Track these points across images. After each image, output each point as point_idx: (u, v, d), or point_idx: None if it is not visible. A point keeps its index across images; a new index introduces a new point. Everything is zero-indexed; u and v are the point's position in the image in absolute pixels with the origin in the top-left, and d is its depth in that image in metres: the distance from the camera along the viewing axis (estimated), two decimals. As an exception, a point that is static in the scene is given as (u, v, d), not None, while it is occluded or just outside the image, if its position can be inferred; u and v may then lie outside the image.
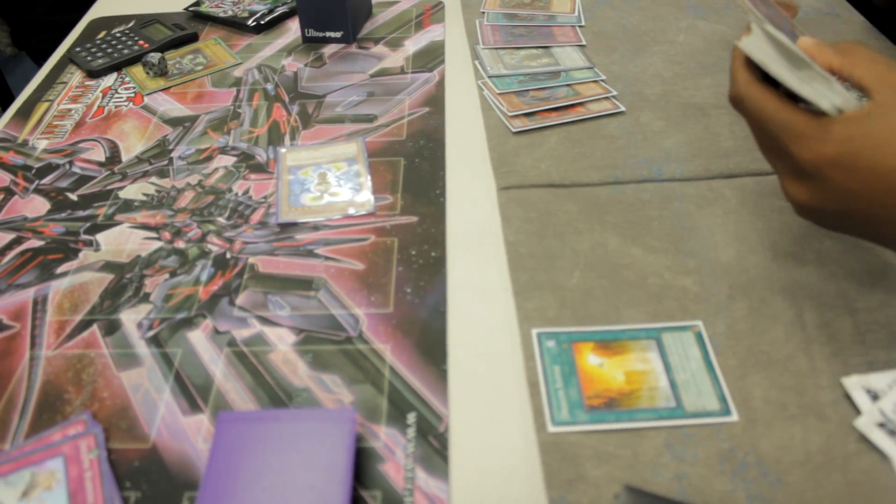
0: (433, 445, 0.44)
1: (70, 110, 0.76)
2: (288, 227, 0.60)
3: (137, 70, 0.82)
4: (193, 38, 0.87)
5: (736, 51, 0.45)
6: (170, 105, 0.76)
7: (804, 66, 0.41)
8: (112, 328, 0.52)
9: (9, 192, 0.66)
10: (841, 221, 0.42)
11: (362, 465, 0.43)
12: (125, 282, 0.56)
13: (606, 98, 0.70)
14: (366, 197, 0.62)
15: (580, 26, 0.83)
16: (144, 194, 0.64)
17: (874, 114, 0.39)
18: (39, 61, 1.73)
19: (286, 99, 0.75)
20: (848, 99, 0.40)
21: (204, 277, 0.56)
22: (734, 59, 0.45)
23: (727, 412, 0.44)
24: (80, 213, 0.63)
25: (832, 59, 0.41)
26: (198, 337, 0.51)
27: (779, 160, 0.43)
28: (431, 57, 0.81)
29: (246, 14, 0.90)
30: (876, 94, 0.39)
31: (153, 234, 0.60)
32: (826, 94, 0.40)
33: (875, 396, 0.43)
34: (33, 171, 0.68)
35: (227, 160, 0.67)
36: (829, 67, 0.41)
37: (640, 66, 0.75)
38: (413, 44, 0.84)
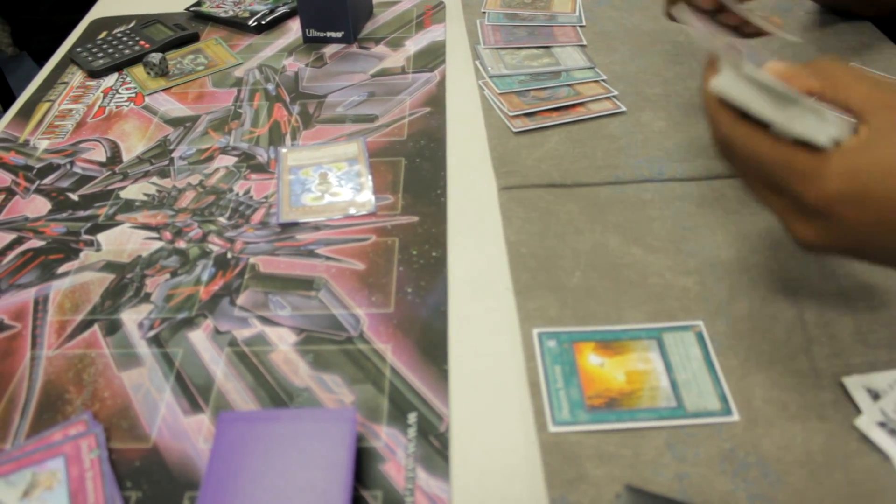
0: (434, 445, 0.44)
1: (71, 110, 0.76)
2: (289, 227, 0.60)
3: (138, 70, 0.82)
4: (194, 38, 0.87)
5: (707, 93, 0.41)
6: (171, 105, 0.76)
7: (789, 101, 0.37)
8: (113, 328, 0.52)
9: (10, 193, 0.66)
10: (855, 254, 0.39)
11: (363, 465, 0.43)
12: (126, 282, 0.56)
13: (607, 98, 0.70)
14: (367, 197, 0.62)
15: (581, 26, 0.83)
16: (145, 194, 0.64)
17: (874, 140, 0.36)
18: (40, 61, 1.73)
19: (287, 99, 0.75)
20: (842, 128, 0.37)
21: (205, 277, 0.56)
22: (708, 103, 0.41)
23: (728, 412, 0.44)
24: (81, 214, 0.63)
25: (810, 82, 0.38)
26: (199, 337, 0.51)
27: (778, 200, 0.40)
28: (432, 57, 0.81)
29: (247, 14, 0.90)
30: (870, 116, 0.37)
31: (154, 234, 0.60)
32: (820, 128, 0.37)
33: (876, 396, 0.43)
34: (34, 172, 0.68)
35: (228, 160, 0.68)
36: (808, 91, 0.38)
37: (640, 65, 0.75)
38: (414, 44, 0.84)
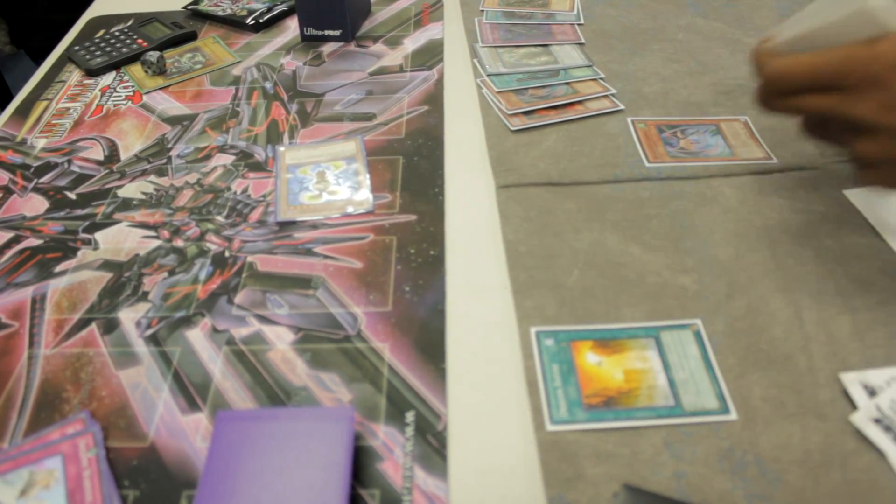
0: (432, 444, 0.44)
1: (68, 109, 0.76)
2: (287, 226, 0.59)
3: (136, 69, 0.82)
4: (192, 36, 0.87)
5: (757, 51, 0.48)
6: (168, 104, 0.76)
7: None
8: (110, 327, 0.52)
9: (7, 191, 0.65)
10: None
11: (361, 464, 0.43)
12: (124, 280, 0.56)
13: (605, 96, 0.70)
14: (364, 195, 0.62)
15: (579, 24, 0.82)
16: (143, 193, 0.64)
17: None
18: (38, 60, 1.73)
19: (285, 97, 0.75)
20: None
21: (202, 276, 0.56)
22: (757, 57, 0.47)
23: (726, 411, 0.44)
24: (79, 212, 0.63)
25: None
26: (196, 335, 0.51)
27: (830, 97, 0.44)
28: (430, 55, 0.81)
29: (245, 12, 0.90)
30: None
31: (152, 233, 0.60)
32: None
33: (872, 392, 0.43)
34: (32, 170, 0.68)
35: (226, 159, 0.67)
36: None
37: (639, 64, 0.75)
38: (412, 42, 0.84)
